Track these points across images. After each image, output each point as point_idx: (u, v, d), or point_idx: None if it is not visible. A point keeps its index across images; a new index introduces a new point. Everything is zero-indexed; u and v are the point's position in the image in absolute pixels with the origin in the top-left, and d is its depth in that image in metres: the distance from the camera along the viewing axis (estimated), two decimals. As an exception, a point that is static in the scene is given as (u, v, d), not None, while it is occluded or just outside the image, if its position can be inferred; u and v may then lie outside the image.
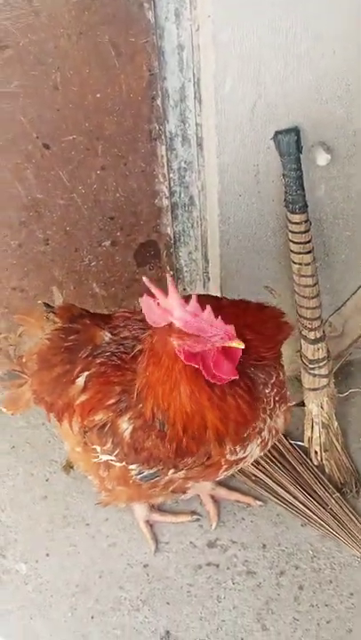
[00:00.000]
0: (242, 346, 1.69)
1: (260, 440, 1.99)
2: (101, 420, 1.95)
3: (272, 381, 1.91)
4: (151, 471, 1.96)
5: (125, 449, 1.93)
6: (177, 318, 1.66)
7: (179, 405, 1.79)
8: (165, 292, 1.67)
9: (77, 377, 2.00)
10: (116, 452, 1.96)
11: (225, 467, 1.98)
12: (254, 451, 2.01)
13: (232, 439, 1.87)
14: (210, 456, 1.90)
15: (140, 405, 1.87)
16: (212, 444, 1.85)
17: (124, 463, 1.98)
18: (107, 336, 2.04)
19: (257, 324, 1.88)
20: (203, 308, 1.69)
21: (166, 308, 1.67)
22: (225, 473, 2.04)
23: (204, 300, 1.94)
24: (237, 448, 1.93)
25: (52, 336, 2.09)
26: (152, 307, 1.69)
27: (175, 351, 1.73)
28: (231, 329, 1.67)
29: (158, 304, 1.68)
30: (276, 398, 1.95)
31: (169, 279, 1.65)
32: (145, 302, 1.70)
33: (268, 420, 1.96)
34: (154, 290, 1.67)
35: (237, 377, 1.78)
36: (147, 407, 1.85)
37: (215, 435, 1.83)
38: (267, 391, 1.90)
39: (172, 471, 1.95)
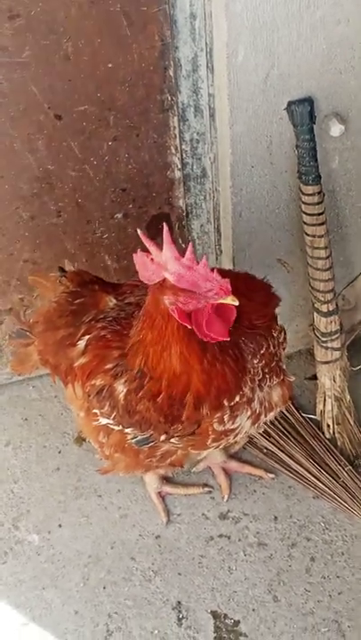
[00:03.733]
0: (236, 303, 1.67)
1: (249, 412, 1.98)
2: (100, 384, 1.96)
3: (261, 352, 1.90)
4: (145, 435, 1.96)
5: (120, 411, 1.94)
6: (171, 272, 1.65)
7: (168, 365, 1.80)
8: (160, 247, 1.65)
9: (79, 340, 2.02)
10: (113, 415, 1.97)
11: (212, 436, 1.97)
12: (245, 423, 2.00)
13: (211, 404, 1.85)
14: (199, 425, 1.91)
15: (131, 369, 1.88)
16: (187, 406, 1.84)
17: (120, 427, 1.99)
18: (112, 302, 2.06)
19: (248, 292, 1.88)
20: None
21: (160, 263, 1.66)
22: (214, 444, 2.02)
23: None
24: (225, 418, 1.92)
25: (60, 299, 2.11)
26: (146, 263, 1.68)
27: (168, 311, 1.72)
28: (227, 283, 1.65)
29: (152, 260, 1.66)
30: (266, 370, 1.94)
31: (166, 231, 1.62)
32: (139, 258, 1.68)
33: (258, 390, 1.96)
34: (148, 244, 1.65)
35: (228, 339, 1.76)
36: (134, 362, 1.86)
37: (195, 398, 1.83)
38: (255, 361, 1.89)
39: (163, 437, 1.95)
